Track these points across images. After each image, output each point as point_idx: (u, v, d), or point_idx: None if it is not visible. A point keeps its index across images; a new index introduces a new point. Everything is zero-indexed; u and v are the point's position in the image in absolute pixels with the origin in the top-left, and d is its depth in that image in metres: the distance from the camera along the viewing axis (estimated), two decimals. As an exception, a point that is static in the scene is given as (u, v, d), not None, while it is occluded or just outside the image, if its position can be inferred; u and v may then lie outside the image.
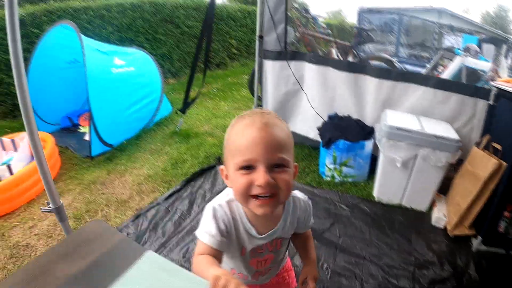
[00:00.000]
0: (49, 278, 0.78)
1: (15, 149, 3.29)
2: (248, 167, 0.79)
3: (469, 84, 2.77)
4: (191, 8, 7.14)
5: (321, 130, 3.24)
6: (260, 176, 0.77)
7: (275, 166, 0.79)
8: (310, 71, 3.39)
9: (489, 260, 2.25)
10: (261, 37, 3.40)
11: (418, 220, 2.65)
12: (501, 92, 2.39)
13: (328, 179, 3.16)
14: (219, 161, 3.46)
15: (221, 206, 0.92)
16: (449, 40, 4.59)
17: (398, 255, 2.29)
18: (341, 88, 3.25)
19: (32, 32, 4.60)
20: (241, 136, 0.80)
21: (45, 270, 0.81)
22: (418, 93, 2.85)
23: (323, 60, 3.36)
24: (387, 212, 2.74)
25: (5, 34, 4.37)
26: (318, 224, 2.56)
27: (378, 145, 2.68)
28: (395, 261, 2.24)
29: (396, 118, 2.72)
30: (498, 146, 2.26)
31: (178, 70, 7.04)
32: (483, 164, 2.27)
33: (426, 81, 2.80)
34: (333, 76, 3.25)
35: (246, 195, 0.81)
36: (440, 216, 2.54)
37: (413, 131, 2.50)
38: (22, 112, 1.65)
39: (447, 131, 2.55)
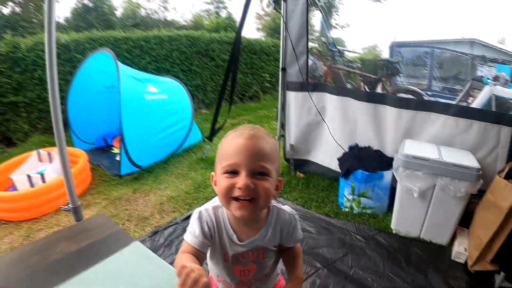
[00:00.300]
0: (50, 253, 0.99)
1: (50, 161, 3.58)
2: (232, 172, 0.85)
3: (491, 111, 2.66)
4: (225, 42, 7.48)
5: (341, 160, 3.20)
6: (241, 180, 0.83)
7: (257, 173, 0.85)
8: (331, 102, 3.41)
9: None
10: (284, 69, 3.51)
11: (437, 254, 2.48)
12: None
13: (347, 210, 3.07)
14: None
15: (207, 210, 0.99)
16: (482, 71, 4.43)
17: (412, 289, 2.15)
18: (362, 119, 3.22)
19: (75, 57, 5.07)
20: (229, 145, 0.88)
21: (48, 246, 1.03)
22: (439, 122, 2.77)
23: (343, 91, 3.37)
24: (404, 244, 2.59)
25: None
26: (330, 254, 2.48)
27: (395, 175, 2.60)
28: (407, 295, 2.10)
29: (414, 147, 2.63)
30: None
31: (212, 101, 7.27)
32: (505, 194, 2.12)
33: (446, 110, 2.72)
34: (353, 107, 3.24)
35: (228, 197, 0.86)
36: (461, 250, 2.37)
37: (430, 159, 2.41)
38: (54, 127, 1.99)
39: (467, 159, 2.43)
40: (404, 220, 2.68)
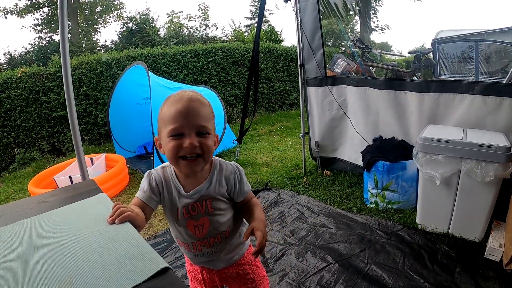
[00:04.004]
0: (30, 205, 1.04)
1: (92, 165, 3.68)
2: (178, 135, 0.89)
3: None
4: (261, 52, 7.26)
5: (363, 153, 2.86)
6: (187, 140, 0.88)
7: (199, 133, 0.90)
8: (351, 94, 3.09)
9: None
10: (302, 65, 3.28)
11: (467, 251, 2.05)
12: None
13: (372, 206, 2.71)
14: (266, 186, 3.29)
15: (156, 170, 1.05)
16: None
17: (433, 290, 1.76)
18: (383, 108, 2.86)
19: (117, 73, 5.25)
20: (170, 109, 0.91)
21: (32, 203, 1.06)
22: (465, 103, 2.34)
23: (361, 80, 3.06)
24: (430, 241, 2.19)
25: (95, 74, 5.05)
26: (346, 249, 2.18)
27: (416, 162, 2.22)
28: (427, 295, 1.73)
29: (436, 131, 2.25)
30: None
31: (250, 110, 7.08)
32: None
33: (471, 88, 2.29)
34: (373, 96, 2.90)
35: (176, 157, 0.91)
36: (495, 246, 1.92)
37: (450, 140, 2.02)
38: (72, 137, 2.03)
39: (495, 139, 2.00)
40: (430, 213, 2.28)
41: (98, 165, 3.59)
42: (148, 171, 1.04)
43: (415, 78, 4.38)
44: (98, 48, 10.70)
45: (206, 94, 4.37)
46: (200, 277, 1.19)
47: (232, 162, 1.09)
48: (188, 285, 1.28)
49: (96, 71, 5.25)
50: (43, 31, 13.49)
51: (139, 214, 0.89)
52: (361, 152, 2.92)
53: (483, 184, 1.96)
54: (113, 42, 10.89)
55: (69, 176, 3.33)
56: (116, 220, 0.81)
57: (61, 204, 0.99)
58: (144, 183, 1.01)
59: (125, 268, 0.63)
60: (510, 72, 3.21)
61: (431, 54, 5.09)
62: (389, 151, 2.65)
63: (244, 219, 1.14)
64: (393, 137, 2.84)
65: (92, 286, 0.58)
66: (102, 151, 4.16)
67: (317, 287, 1.85)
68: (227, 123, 4.44)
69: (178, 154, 0.90)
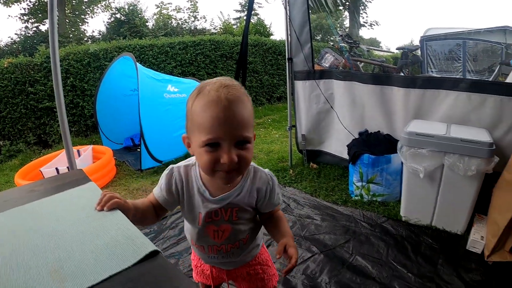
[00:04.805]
0: (19, 194, 0.99)
1: (79, 157, 3.58)
2: (213, 145, 0.76)
3: (505, 82, 2.16)
4: (249, 45, 7.15)
5: (349, 146, 2.84)
6: (225, 155, 0.75)
7: (237, 143, 0.77)
8: (338, 88, 3.05)
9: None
10: (290, 59, 3.22)
11: (450, 243, 2.05)
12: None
13: (357, 198, 2.69)
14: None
15: (178, 168, 0.93)
16: None
17: (416, 280, 1.77)
18: (369, 103, 2.84)
19: (104, 65, 5.09)
20: (206, 112, 0.75)
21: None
22: (450, 99, 2.32)
23: (349, 75, 3.02)
24: (413, 233, 2.19)
25: (82, 65, 4.89)
26: (331, 240, 2.16)
27: (400, 156, 2.21)
28: (410, 285, 1.73)
29: (420, 126, 2.23)
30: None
31: None
32: (524, 172, 1.68)
33: (456, 85, 2.27)
34: (360, 91, 2.87)
35: (212, 170, 0.79)
36: (477, 239, 1.93)
37: (435, 135, 2.01)
38: (60, 127, 2.07)
39: (478, 135, 1.99)
40: (414, 206, 2.27)
41: (85, 156, 3.48)
42: (170, 168, 0.94)
43: (402, 74, 4.38)
44: (85, 39, 10.39)
45: (193, 87, 4.26)
46: (208, 273, 1.14)
47: (266, 170, 0.98)
48: (179, 268, 1.24)
49: (84, 62, 5.06)
50: (30, 21, 13.03)
51: (127, 201, 0.84)
52: (347, 146, 2.89)
53: (466, 178, 1.95)
54: (101, 33, 10.57)
55: (56, 168, 3.23)
56: (104, 207, 0.78)
57: (50, 193, 0.94)
58: (162, 181, 0.92)
59: (115, 252, 0.62)
60: (496, 70, 3.24)
61: (418, 51, 5.11)
62: (375, 145, 2.63)
63: (265, 228, 1.05)
64: (379, 131, 2.82)
65: (83, 270, 0.57)
66: (89, 143, 4.05)
67: (302, 277, 1.83)
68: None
69: (215, 168, 0.78)
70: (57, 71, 1.87)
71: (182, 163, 0.95)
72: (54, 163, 3.47)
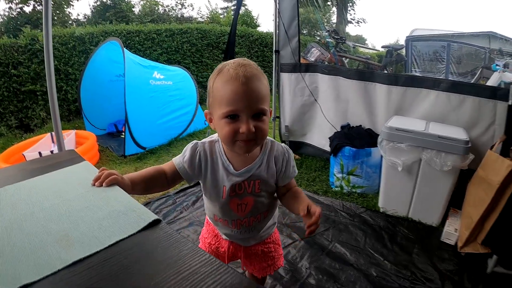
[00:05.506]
0: (12, 172, 0.95)
1: (62, 141, 3.44)
2: (233, 116, 0.81)
3: (485, 85, 2.23)
4: (237, 36, 7.01)
5: (331, 138, 2.85)
6: (243, 125, 0.80)
7: (255, 115, 0.82)
8: (323, 82, 3.05)
9: (506, 286, 1.66)
10: (277, 51, 3.19)
11: (425, 234, 2.11)
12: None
13: (337, 189, 2.72)
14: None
15: (203, 143, 0.96)
16: (500, 65, 3.91)
17: (392, 267, 1.80)
18: (353, 98, 2.85)
19: (90, 49, 4.88)
20: (225, 88, 0.81)
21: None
22: (430, 98, 2.37)
23: (334, 70, 3.02)
24: (390, 223, 2.23)
25: (67, 48, 4.63)
26: (312, 228, 2.16)
27: (380, 150, 2.23)
28: (386, 272, 1.77)
29: (401, 122, 2.26)
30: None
31: None
32: (496, 168, 1.73)
33: (437, 85, 2.31)
34: (344, 86, 2.88)
35: (232, 140, 0.83)
36: (450, 231, 1.98)
37: (414, 131, 2.04)
38: (50, 108, 2.02)
39: (455, 133, 2.04)
40: (391, 198, 2.31)
41: (68, 141, 3.31)
42: (195, 142, 0.96)
43: (385, 72, 4.42)
44: (70, 22, 9.95)
45: (180, 74, 4.19)
46: (223, 250, 1.15)
47: (283, 144, 1.01)
48: (181, 235, 1.21)
49: (69, 46, 4.81)
50: (14, 1, 12.34)
51: (124, 177, 0.84)
52: (329, 138, 2.91)
53: (442, 173, 2.00)
54: (86, 16, 10.15)
55: (39, 152, 3.07)
56: (103, 183, 0.78)
57: (45, 172, 0.90)
58: (186, 153, 0.93)
59: (118, 221, 0.63)
60: (478, 73, 3.31)
61: (403, 50, 5.16)
62: (356, 138, 2.65)
63: (283, 203, 1.05)
64: (361, 125, 2.85)
65: (89, 237, 0.57)
66: (72, 128, 3.87)
67: (283, 262, 1.84)
68: (199, 104, 4.28)
69: (234, 139, 0.83)
70: (49, 55, 1.83)
71: (206, 139, 0.97)
72: (37, 147, 3.32)
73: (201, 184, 0.99)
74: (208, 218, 1.16)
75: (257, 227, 1.07)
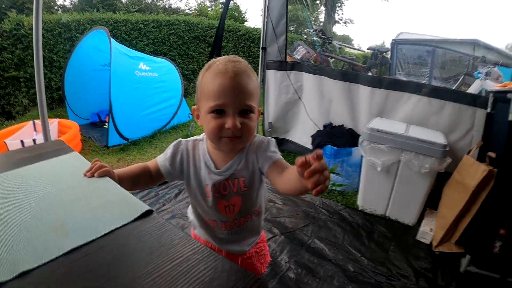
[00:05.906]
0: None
1: (44, 130, 3.32)
2: (219, 111, 0.78)
3: (465, 92, 2.29)
4: (226, 30, 6.90)
5: (313, 137, 2.86)
6: (229, 121, 0.77)
7: (242, 112, 0.79)
8: (308, 81, 3.06)
9: (478, 285, 1.71)
10: (264, 48, 3.17)
11: (401, 233, 2.14)
12: (498, 96, 1.91)
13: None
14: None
15: (187, 141, 0.93)
16: (482, 73, 4.02)
17: (369, 263, 1.83)
18: (336, 98, 2.87)
19: (76, 37, 4.71)
20: (214, 82, 0.79)
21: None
22: (411, 102, 2.41)
23: (319, 69, 3.03)
24: (368, 221, 2.26)
25: (52, 35, 4.44)
26: (292, 223, 2.19)
27: (360, 150, 2.26)
28: (363, 268, 1.79)
29: (382, 123, 2.29)
30: (493, 155, 1.76)
31: None
32: (472, 172, 1.78)
33: (419, 90, 2.36)
34: (328, 86, 2.89)
35: (218, 136, 0.81)
36: (426, 230, 2.03)
37: (394, 133, 2.07)
38: (38, 97, 1.95)
39: (434, 137, 2.07)
40: (370, 196, 2.34)
41: (50, 130, 3.20)
42: (178, 140, 0.93)
43: (369, 74, 4.47)
44: (55, 8, 9.54)
45: (166, 66, 4.11)
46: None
47: (266, 137, 0.93)
48: (174, 224, 1.15)
49: (54, 32, 4.60)
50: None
51: (114, 172, 0.82)
52: (311, 136, 2.92)
53: (420, 175, 2.03)
54: (72, 2, 9.76)
55: (21, 140, 2.94)
56: (95, 174, 0.76)
57: (33, 162, 0.87)
58: (169, 151, 0.91)
59: (112, 211, 0.63)
60: (460, 79, 3.38)
61: (388, 53, 5.20)
62: (338, 137, 2.67)
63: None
64: (343, 125, 2.87)
65: (83, 227, 0.57)
66: (54, 117, 3.72)
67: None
68: (183, 97, 4.22)
69: (220, 134, 0.80)
70: (38, 41, 1.77)
71: (191, 138, 0.95)
72: (19, 135, 3.17)
73: (186, 186, 0.96)
74: (193, 227, 1.08)
75: (249, 226, 1.01)
